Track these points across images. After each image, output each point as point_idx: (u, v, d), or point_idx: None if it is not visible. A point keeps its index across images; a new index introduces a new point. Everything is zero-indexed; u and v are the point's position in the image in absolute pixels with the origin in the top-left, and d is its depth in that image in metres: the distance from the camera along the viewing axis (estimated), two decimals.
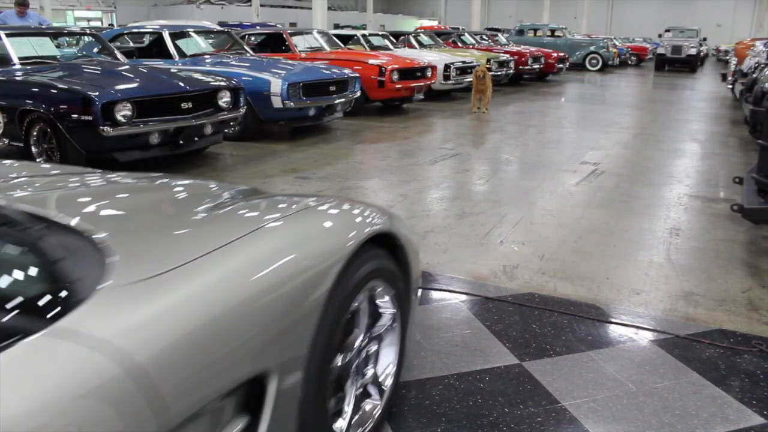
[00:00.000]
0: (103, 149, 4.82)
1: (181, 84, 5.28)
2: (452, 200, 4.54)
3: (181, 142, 5.20)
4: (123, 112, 4.68)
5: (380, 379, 1.80)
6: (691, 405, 2.06)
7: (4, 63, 5.48)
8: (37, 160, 4.96)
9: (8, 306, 0.94)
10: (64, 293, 1.03)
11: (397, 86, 8.86)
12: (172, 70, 5.85)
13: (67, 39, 11.04)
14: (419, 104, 10.37)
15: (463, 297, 2.87)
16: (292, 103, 6.59)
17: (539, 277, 3.15)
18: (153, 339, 1.01)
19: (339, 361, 1.55)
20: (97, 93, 4.61)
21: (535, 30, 22.23)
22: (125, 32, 8.95)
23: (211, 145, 5.91)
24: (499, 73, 12.89)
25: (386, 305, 1.78)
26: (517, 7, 46.52)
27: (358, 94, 7.85)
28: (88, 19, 33.79)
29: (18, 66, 5.48)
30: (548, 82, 15.77)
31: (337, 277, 1.45)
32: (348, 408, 1.63)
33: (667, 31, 24.19)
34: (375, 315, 1.75)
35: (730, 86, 10.85)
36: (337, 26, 27.17)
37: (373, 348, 1.77)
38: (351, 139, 7.25)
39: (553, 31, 22.02)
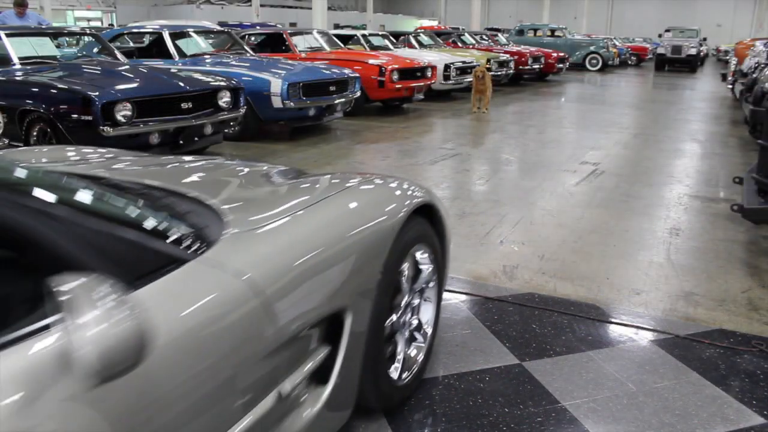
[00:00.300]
0: None
1: (181, 84, 5.28)
2: (452, 200, 4.54)
3: (181, 142, 5.20)
4: (123, 112, 4.68)
5: (423, 327, 2.15)
6: (691, 405, 2.06)
7: (4, 63, 5.48)
8: None
9: (168, 241, 1.26)
10: (202, 237, 1.34)
11: (397, 86, 8.86)
12: (172, 70, 5.85)
13: (67, 39, 11.04)
14: (419, 104, 10.37)
15: (463, 297, 2.87)
16: (292, 103, 6.58)
17: (539, 277, 3.15)
18: (268, 270, 1.33)
19: (394, 311, 1.89)
20: (97, 93, 4.61)
21: (535, 30, 22.23)
22: (125, 32, 8.95)
23: (211, 145, 5.90)
24: (499, 73, 12.89)
25: (426, 265, 2.09)
26: (517, 7, 46.52)
27: (358, 94, 7.85)
28: (88, 19, 33.79)
29: (18, 66, 5.48)
30: (548, 82, 15.77)
31: (395, 237, 1.78)
32: (400, 348, 1.98)
33: (667, 31, 24.19)
34: (417, 272, 2.06)
35: (730, 86, 10.85)
36: (337, 26, 27.17)
37: (416, 301, 2.10)
38: (351, 139, 7.25)
39: (553, 31, 22.02)
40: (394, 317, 1.90)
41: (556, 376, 2.22)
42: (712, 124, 8.92)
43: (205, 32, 8.48)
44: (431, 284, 2.14)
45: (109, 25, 29.19)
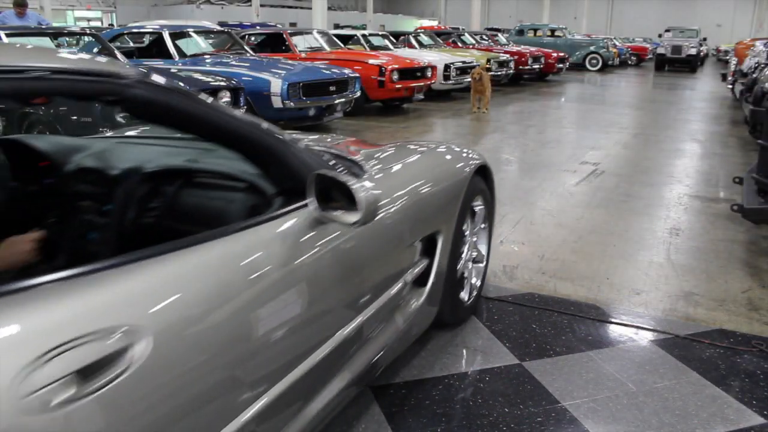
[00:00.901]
0: None
1: (181, 84, 5.28)
2: None
3: None
4: (123, 112, 4.68)
5: (481, 257, 2.79)
6: (691, 405, 2.06)
7: None
8: None
9: (351, 169, 1.88)
10: (356, 171, 1.90)
11: (397, 86, 8.86)
12: (172, 71, 5.85)
13: (67, 39, 11.04)
14: (419, 104, 10.37)
15: None
16: (292, 103, 6.58)
17: (539, 277, 3.15)
18: (398, 192, 1.98)
19: (464, 242, 2.53)
20: None
21: (535, 30, 22.23)
22: (125, 32, 8.95)
23: None
24: (499, 73, 12.89)
25: (481, 213, 2.69)
26: (517, 7, 46.51)
27: (358, 94, 7.85)
28: (88, 19, 33.79)
29: None
30: (548, 82, 15.77)
31: (467, 185, 2.43)
32: (467, 275, 2.61)
33: (667, 31, 24.19)
34: (475, 215, 2.65)
35: (730, 86, 10.85)
36: (337, 26, 27.15)
37: (475, 238, 2.70)
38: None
39: (553, 31, 22.02)
40: (464, 247, 2.52)
41: (556, 376, 2.22)
42: (712, 124, 8.92)
43: (205, 32, 8.49)
44: (484, 226, 2.79)
45: (109, 25, 29.19)
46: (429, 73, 9.59)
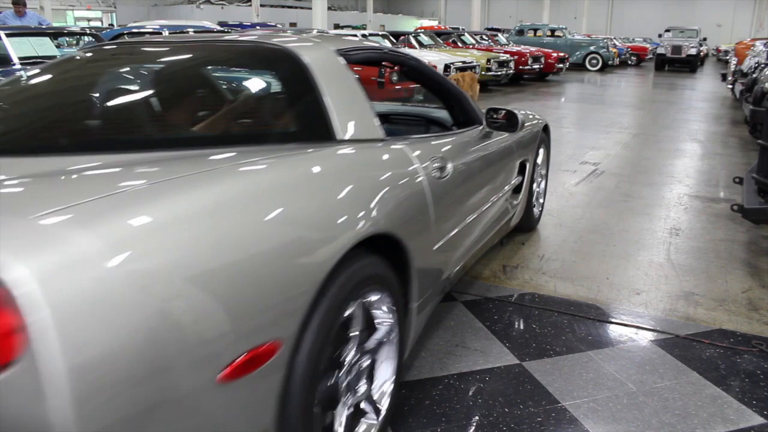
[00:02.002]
0: None
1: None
2: None
3: None
4: None
5: (540, 197, 3.97)
6: (691, 405, 2.06)
7: (4, 63, 5.48)
8: None
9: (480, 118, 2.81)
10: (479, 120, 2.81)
11: (397, 87, 8.85)
12: None
13: (67, 39, 11.04)
14: None
15: (463, 297, 2.87)
16: None
17: (539, 277, 3.15)
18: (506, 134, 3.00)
19: (537, 170, 3.68)
20: None
21: (535, 30, 22.24)
22: (125, 32, 8.96)
23: None
24: (499, 73, 12.90)
25: (543, 156, 3.76)
26: (517, 7, 46.51)
27: None
28: (88, 19, 33.80)
29: (18, 66, 5.48)
30: (548, 82, 15.78)
31: (540, 136, 3.59)
32: (534, 197, 3.79)
33: (667, 31, 24.18)
34: (540, 157, 3.68)
35: (730, 86, 10.86)
36: (337, 26, 27.17)
37: (538, 179, 3.77)
38: None
39: (553, 31, 22.03)
40: (536, 175, 3.63)
41: (556, 376, 2.22)
42: (712, 124, 8.92)
43: (205, 32, 8.48)
44: (543, 171, 3.87)
45: (109, 25, 29.19)
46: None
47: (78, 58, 2.33)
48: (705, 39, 27.92)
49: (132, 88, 2.18)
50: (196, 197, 1.21)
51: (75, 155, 1.53)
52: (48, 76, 2.21)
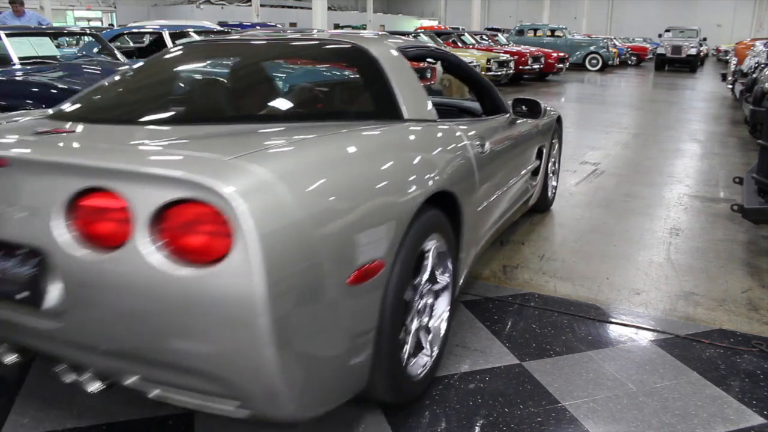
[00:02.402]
0: None
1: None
2: None
3: None
4: None
5: (555, 173, 4.45)
6: (691, 405, 2.06)
7: (4, 63, 5.48)
8: None
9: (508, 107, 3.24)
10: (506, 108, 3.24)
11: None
12: None
13: (67, 39, 11.04)
14: None
15: (463, 297, 2.87)
16: None
17: (539, 277, 3.15)
18: (533, 121, 3.55)
19: (551, 155, 4.15)
20: None
21: (535, 30, 22.25)
22: (125, 32, 8.96)
23: None
24: (499, 73, 12.90)
25: (555, 144, 4.23)
26: (517, 7, 46.51)
27: None
28: (88, 19, 33.80)
29: (18, 66, 5.48)
30: (548, 82, 15.78)
31: (555, 126, 4.08)
32: (549, 183, 4.27)
33: (667, 31, 24.19)
34: (553, 145, 4.18)
35: (730, 86, 10.86)
36: (337, 26, 27.18)
37: (552, 160, 4.22)
38: None
39: (553, 31, 22.03)
40: (551, 160, 4.11)
41: (556, 376, 2.22)
42: (712, 124, 8.92)
43: (205, 32, 8.49)
44: (555, 159, 4.35)
45: (109, 25, 29.18)
46: (429, 74, 9.59)
47: (198, 47, 2.96)
48: (705, 39, 27.93)
49: (255, 74, 2.79)
50: (331, 147, 1.78)
51: (228, 125, 2.09)
52: (178, 63, 2.77)
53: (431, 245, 2.02)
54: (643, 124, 8.83)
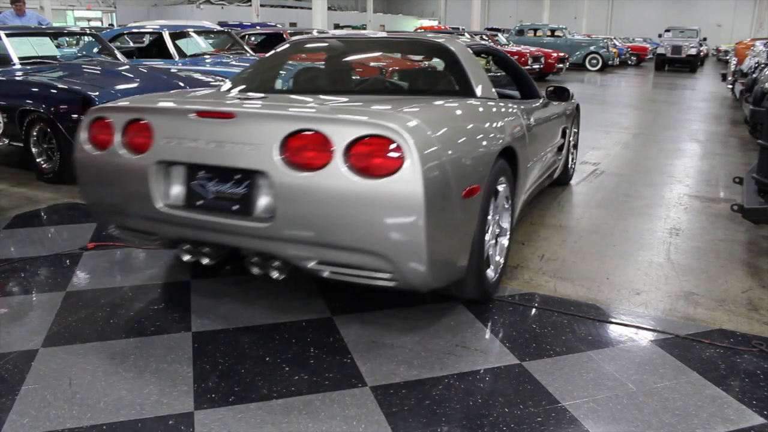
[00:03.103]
0: None
1: (181, 84, 5.28)
2: None
3: None
4: None
5: (571, 150, 5.05)
6: (691, 405, 2.06)
7: (4, 63, 5.48)
8: (38, 160, 4.96)
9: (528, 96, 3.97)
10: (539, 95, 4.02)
11: None
12: (172, 70, 5.85)
13: (67, 39, 11.04)
14: None
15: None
16: None
17: (539, 277, 3.15)
18: (562, 106, 4.39)
19: (572, 139, 4.93)
20: (97, 93, 4.61)
21: (535, 30, 22.25)
22: (125, 32, 8.94)
23: None
24: (499, 73, 12.90)
25: (574, 128, 4.88)
26: (517, 7, 46.51)
27: None
28: (88, 19, 33.80)
29: (18, 66, 5.48)
30: (548, 82, 15.76)
31: (575, 113, 4.89)
32: (569, 158, 5.03)
33: (667, 31, 24.20)
34: (572, 131, 4.82)
35: (730, 86, 10.86)
36: (337, 26, 27.18)
37: (572, 133, 4.87)
38: None
39: (553, 31, 22.04)
40: (572, 139, 4.83)
41: (556, 376, 2.22)
42: (712, 124, 8.92)
43: (205, 32, 8.48)
44: (573, 139, 4.97)
45: (109, 25, 29.18)
46: None
47: (342, 42, 3.80)
48: (705, 39, 27.92)
49: (376, 61, 4.07)
50: (445, 110, 2.67)
51: (377, 95, 3.12)
52: (308, 51, 4.03)
53: (501, 186, 2.80)
54: (643, 124, 8.83)
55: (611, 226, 4.00)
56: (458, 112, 2.68)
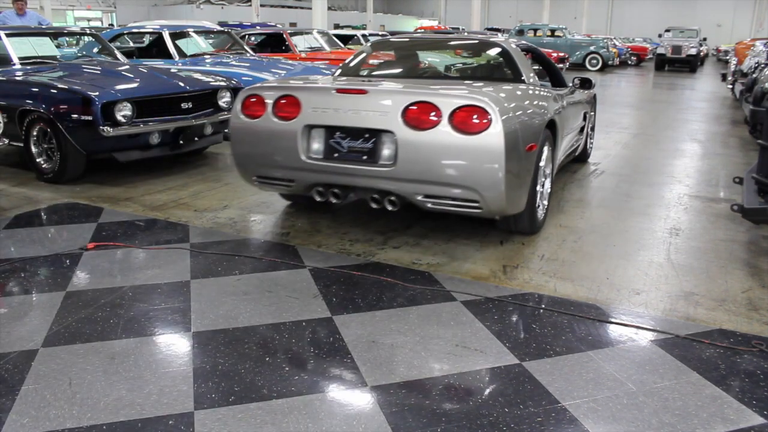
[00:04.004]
0: (103, 149, 4.81)
1: (181, 84, 5.28)
2: None
3: (181, 142, 5.20)
4: (123, 112, 4.68)
5: (588, 134, 5.93)
6: (691, 405, 2.06)
7: (4, 63, 5.48)
8: (38, 160, 4.96)
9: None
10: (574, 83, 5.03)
11: None
12: (172, 70, 5.85)
13: (67, 39, 11.04)
14: None
15: (463, 297, 2.87)
16: None
17: (539, 277, 3.15)
18: (586, 94, 5.39)
19: (591, 121, 5.80)
20: (97, 93, 4.61)
21: (535, 30, 22.26)
22: (125, 32, 8.94)
23: (211, 145, 5.90)
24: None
25: (591, 114, 5.68)
26: (517, 7, 46.50)
27: None
28: (88, 19, 33.79)
29: (18, 66, 5.48)
30: None
31: (593, 101, 5.85)
32: (589, 139, 6.12)
33: (667, 31, 24.19)
34: (590, 116, 5.76)
35: (730, 86, 10.85)
36: (337, 26, 27.18)
37: (591, 116, 5.79)
38: None
39: (553, 31, 22.04)
40: (590, 123, 5.73)
41: (556, 376, 2.22)
42: (712, 124, 8.92)
43: (205, 32, 8.48)
44: (591, 122, 5.73)
45: (109, 25, 29.17)
46: None
47: (412, 39, 5.01)
48: (705, 39, 27.92)
49: (453, 55, 5.00)
50: (511, 90, 3.51)
51: (446, 80, 4.09)
52: (412, 45, 4.90)
53: (546, 148, 3.68)
54: (643, 124, 8.83)
55: (611, 226, 4.00)
56: (518, 92, 3.57)
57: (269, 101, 3.43)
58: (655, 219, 4.18)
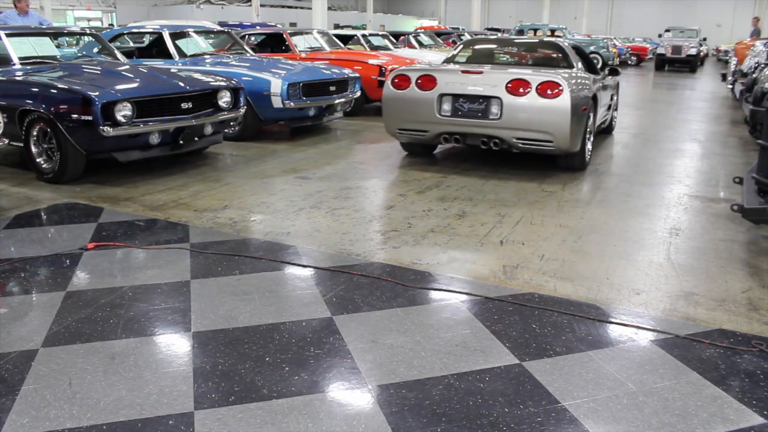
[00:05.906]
0: (103, 149, 4.81)
1: (181, 84, 5.28)
2: (452, 200, 4.55)
3: (181, 142, 5.20)
4: (123, 112, 4.67)
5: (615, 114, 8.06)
6: (691, 405, 2.06)
7: (4, 63, 5.48)
8: (38, 160, 4.96)
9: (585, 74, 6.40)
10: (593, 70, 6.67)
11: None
12: (172, 70, 5.85)
13: (67, 39, 11.03)
14: None
15: (463, 297, 2.87)
16: (292, 103, 6.58)
17: (539, 277, 3.15)
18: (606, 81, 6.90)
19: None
20: (97, 93, 4.61)
21: (535, 30, 22.24)
22: (125, 32, 8.93)
23: (211, 145, 5.91)
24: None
25: (613, 101, 7.63)
26: (517, 7, 46.49)
27: (358, 94, 7.85)
28: (88, 19, 33.77)
29: (18, 66, 5.48)
30: None
31: (617, 87, 7.80)
32: (612, 116, 7.97)
33: (667, 31, 24.18)
34: (616, 96, 7.84)
35: (730, 86, 10.85)
36: (337, 26, 27.18)
37: (614, 99, 7.69)
38: (351, 139, 7.25)
39: (552, 31, 22.04)
40: (612, 104, 7.48)
41: (556, 376, 2.22)
42: (712, 124, 8.92)
43: (205, 32, 8.47)
44: (614, 103, 7.70)
45: (109, 25, 29.17)
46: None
47: (492, 38, 8.10)
48: (705, 39, 27.91)
49: (523, 50, 6.58)
50: (572, 73, 5.46)
51: (509, 67, 5.96)
52: (488, 43, 7.20)
53: (590, 113, 5.32)
54: (643, 124, 8.83)
55: (611, 226, 4.00)
56: (575, 74, 5.37)
57: (413, 78, 5.33)
58: (655, 219, 4.18)
